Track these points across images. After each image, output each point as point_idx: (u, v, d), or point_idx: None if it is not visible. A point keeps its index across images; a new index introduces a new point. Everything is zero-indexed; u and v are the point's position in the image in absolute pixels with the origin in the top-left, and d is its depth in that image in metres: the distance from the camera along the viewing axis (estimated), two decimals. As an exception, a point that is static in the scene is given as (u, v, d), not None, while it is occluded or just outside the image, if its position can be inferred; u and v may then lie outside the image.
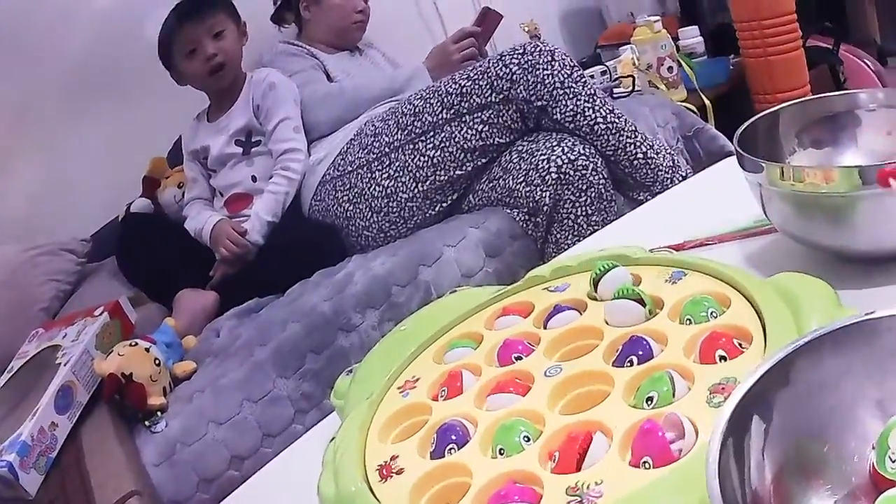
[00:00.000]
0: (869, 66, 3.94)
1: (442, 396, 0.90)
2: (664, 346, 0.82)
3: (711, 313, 0.85)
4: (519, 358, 0.91)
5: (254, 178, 2.79)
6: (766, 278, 0.88)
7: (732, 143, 1.05)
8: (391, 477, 0.80)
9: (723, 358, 0.77)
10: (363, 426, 0.90)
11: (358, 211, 2.61)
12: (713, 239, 1.22)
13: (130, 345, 2.01)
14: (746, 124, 1.09)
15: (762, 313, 0.80)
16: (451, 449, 0.80)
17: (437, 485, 0.77)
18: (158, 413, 1.96)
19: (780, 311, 0.79)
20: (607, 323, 0.90)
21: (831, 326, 0.61)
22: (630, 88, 3.46)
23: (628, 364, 0.82)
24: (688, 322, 0.85)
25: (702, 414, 0.69)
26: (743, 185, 1.04)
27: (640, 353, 0.82)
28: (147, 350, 2.02)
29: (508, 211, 2.44)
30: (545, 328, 0.96)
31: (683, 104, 3.28)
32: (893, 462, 0.56)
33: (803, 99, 1.18)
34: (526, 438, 0.76)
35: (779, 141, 1.14)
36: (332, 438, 0.92)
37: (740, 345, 0.78)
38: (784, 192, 0.96)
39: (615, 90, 3.48)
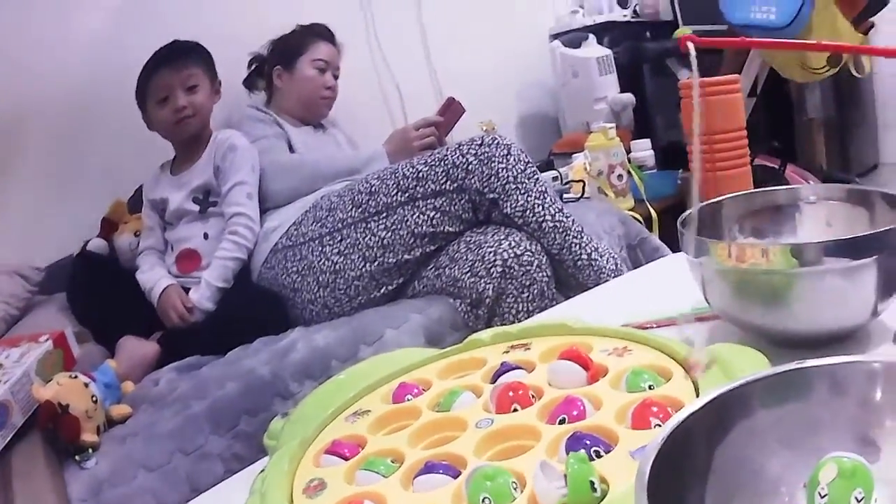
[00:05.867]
0: (813, 189, 4.02)
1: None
2: (598, 409, 0.86)
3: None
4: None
5: (206, 236, 2.82)
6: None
7: (677, 227, 1.09)
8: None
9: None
10: (293, 459, 0.93)
11: (305, 283, 2.62)
12: (652, 323, 1.26)
13: (70, 377, 2.00)
14: (689, 212, 1.11)
15: (697, 381, 0.84)
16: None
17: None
18: (90, 450, 1.95)
19: (715, 377, 0.83)
20: (550, 385, 0.94)
21: (763, 373, 0.65)
22: (580, 194, 3.50)
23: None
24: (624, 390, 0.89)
25: (620, 470, 0.73)
26: (681, 279, 1.08)
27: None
28: (86, 385, 2.01)
29: (451, 300, 2.46)
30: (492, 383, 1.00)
31: (630, 213, 3.33)
32: (822, 497, 0.59)
33: (746, 191, 1.23)
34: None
35: (720, 229, 1.18)
36: (261, 471, 0.95)
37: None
38: (725, 270, 1.00)
39: (565, 195, 3.52)
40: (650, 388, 0.87)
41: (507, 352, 1.06)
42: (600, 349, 0.99)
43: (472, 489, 0.75)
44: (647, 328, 1.23)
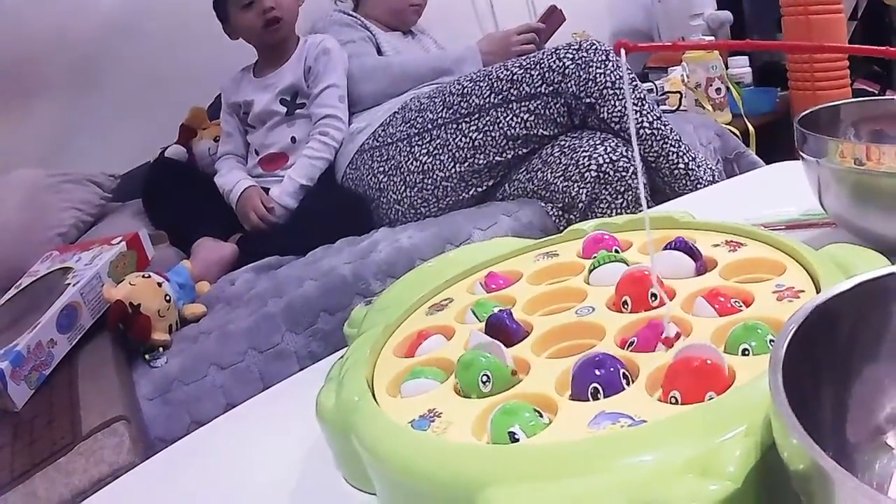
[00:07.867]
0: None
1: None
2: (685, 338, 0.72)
3: (744, 350, 0.68)
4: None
5: (293, 139, 2.79)
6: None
7: (794, 126, 1.02)
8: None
9: (673, 400, 0.63)
10: (376, 346, 0.85)
11: (392, 184, 2.58)
12: (759, 226, 1.18)
13: (143, 276, 1.99)
14: (806, 112, 1.06)
15: (817, 277, 0.75)
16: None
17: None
18: (160, 349, 1.94)
19: (834, 275, 0.74)
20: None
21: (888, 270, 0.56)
22: (676, 105, 3.45)
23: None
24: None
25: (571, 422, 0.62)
26: (788, 186, 1.02)
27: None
28: (159, 285, 1.99)
29: (542, 204, 2.41)
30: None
31: (727, 127, 3.25)
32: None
33: (865, 98, 1.16)
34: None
35: (837, 133, 1.10)
36: (340, 357, 0.87)
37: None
38: (845, 171, 0.92)
39: (661, 106, 3.44)
40: (744, 352, 0.67)
41: (717, 245, 0.90)
42: (782, 279, 0.80)
43: (462, 364, 0.70)
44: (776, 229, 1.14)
